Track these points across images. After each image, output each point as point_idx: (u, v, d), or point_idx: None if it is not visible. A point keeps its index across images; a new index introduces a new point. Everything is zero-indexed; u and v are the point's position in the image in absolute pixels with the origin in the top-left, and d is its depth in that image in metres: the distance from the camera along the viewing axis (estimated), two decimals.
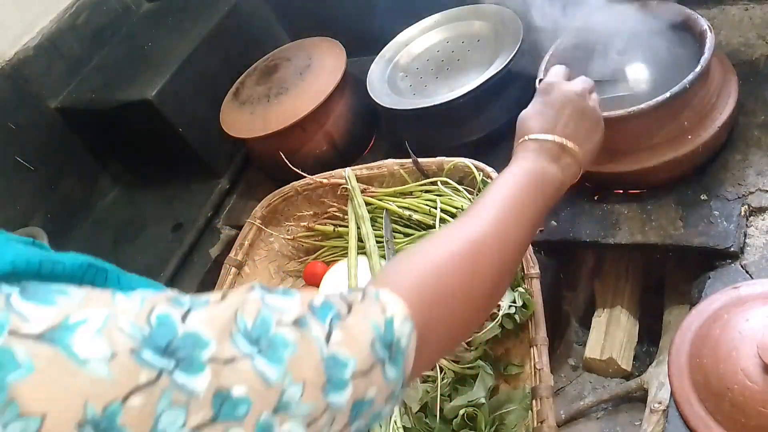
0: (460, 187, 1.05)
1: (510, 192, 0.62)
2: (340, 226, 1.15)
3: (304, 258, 1.20)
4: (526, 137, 0.70)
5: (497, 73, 1.09)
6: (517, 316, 0.88)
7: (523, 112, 0.74)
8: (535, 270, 0.92)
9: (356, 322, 0.42)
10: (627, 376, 1.06)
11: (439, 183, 1.07)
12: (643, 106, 0.86)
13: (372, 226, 1.10)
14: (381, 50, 1.29)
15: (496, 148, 1.16)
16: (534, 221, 0.62)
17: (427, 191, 1.08)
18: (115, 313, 0.34)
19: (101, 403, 0.30)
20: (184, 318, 0.36)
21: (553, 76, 0.76)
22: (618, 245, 0.95)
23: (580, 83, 0.75)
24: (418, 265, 0.52)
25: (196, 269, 1.33)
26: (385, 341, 0.43)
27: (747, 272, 0.85)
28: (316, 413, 0.38)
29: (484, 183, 1.01)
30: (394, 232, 1.09)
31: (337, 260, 1.14)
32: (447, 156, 1.07)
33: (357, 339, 0.41)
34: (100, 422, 0.30)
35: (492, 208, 0.59)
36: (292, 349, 0.38)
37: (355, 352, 0.41)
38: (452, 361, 0.88)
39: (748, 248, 0.87)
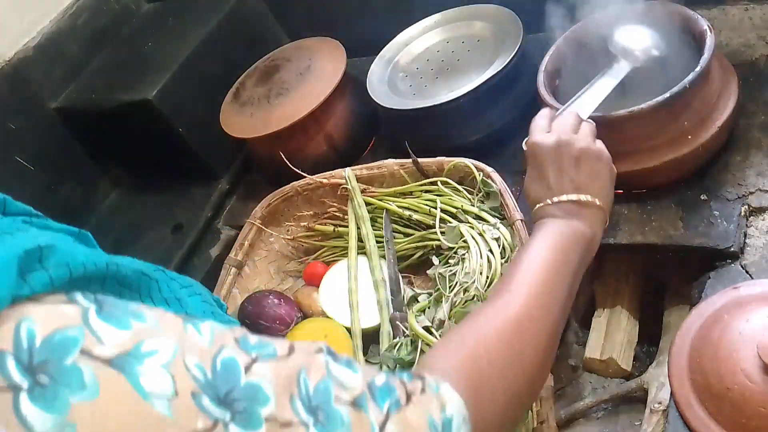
0: (460, 187, 1.05)
1: (542, 258, 0.61)
2: (340, 226, 1.15)
3: (304, 258, 1.20)
4: (537, 206, 0.69)
5: (497, 73, 1.09)
6: None
7: (525, 181, 0.73)
8: None
9: (414, 416, 0.41)
10: (627, 377, 1.05)
11: (439, 183, 1.07)
12: (643, 106, 0.86)
13: (372, 226, 1.10)
14: (381, 50, 1.29)
15: (496, 148, 1.16)
16: (571, 282, 0.61)
17: (427, 191, 1.08)
18: (183, 346, 0.33)
19: None
20: (248, 367, 0.35)
21: (535, 132, 0.73)
22: (618, 245, 0.95)
23: (562, 126, 0.72)
24: (469, 352, 0.51)
25: (196, 270, 1.33)
26: None
27: (747, 272, 0.85)
28: None
29: (484, 183, 1.01)
30: (394, 232, 1.09)
31: (337, 260, 1.14)
32: (447, 156, 1.07)
33: None
34: None
35: (528, 279, 0.58)
36: (347, 429, 0.37)
37: None
38: None
39: (748, 248, 0.87)
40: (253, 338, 0.37)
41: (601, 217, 0.69)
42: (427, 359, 0.52)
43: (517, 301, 0.56)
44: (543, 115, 0.77)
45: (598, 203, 0.68)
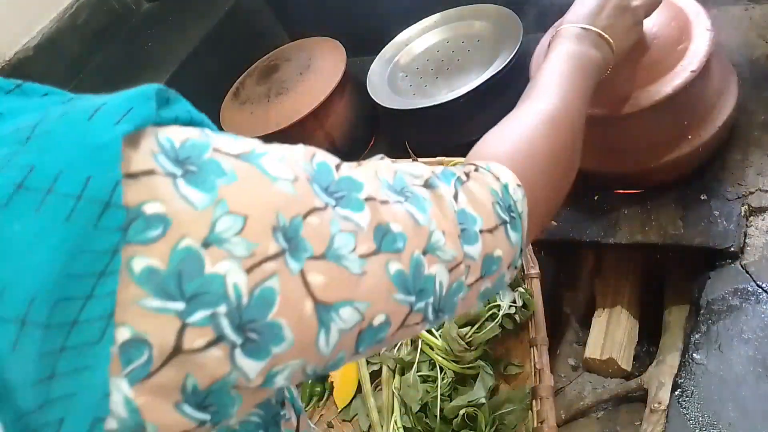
0: None
1: (564, 72, 0.67)
2: None
3: None
4: (567, 24, 0.73)
5: (497, 73, 1.09)
6: (517, 316, 0.89)
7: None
8: (535, 270, 0.92)
9: (476, 187, 0.47)
10: (627, 376, 1.05)
11: None
12: (643, 106, 0.86)
13: None
14: (381, 50, 1.29)
15: None
16: (585, 99, 0.67)
17: None
18: (285, 152, 0.38)
19: (288, 214, 0.34)
20: (337, 167, 0.40)
21: None
22: (618, 245, 0.95)
23: None
24: (510, 141, 0.58)
25: None
26: (504, 205, 0.48)
27: (747, 272, 0.85)
28: (457, 260, 0.43)
29: None
30: None
31: None
32: (447, 156, 1.07)
33: (479, 200, 0.47)
34: (287, 231, 0.34)
35: (554, 86, 0.65)
36: (429, 202, 0.43)
37: (480, 211, 0.46)
38: (452, 361, 0.88)
39: (748, 248, 0.87)
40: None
41: (610, 61, 0.73)
42: (473, 154, 0.59)
43: (546, 105, 0.62)
44: None
45: (613, 50, 0.73)
